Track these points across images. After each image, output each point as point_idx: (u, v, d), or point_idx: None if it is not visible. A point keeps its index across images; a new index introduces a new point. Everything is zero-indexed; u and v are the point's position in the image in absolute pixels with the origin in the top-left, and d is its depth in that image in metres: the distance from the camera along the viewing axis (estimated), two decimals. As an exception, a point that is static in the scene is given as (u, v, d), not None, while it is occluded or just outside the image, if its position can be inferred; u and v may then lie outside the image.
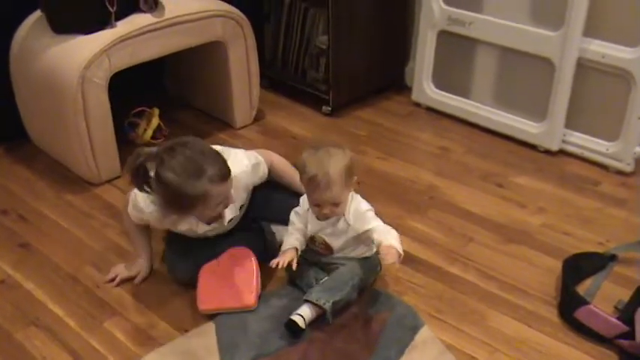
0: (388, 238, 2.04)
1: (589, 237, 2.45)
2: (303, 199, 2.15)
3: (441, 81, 3.25)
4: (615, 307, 2.10)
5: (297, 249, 2.12)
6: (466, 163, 2.92)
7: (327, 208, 2.04)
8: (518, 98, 3.05)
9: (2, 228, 2.55)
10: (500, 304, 2.16)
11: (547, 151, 2.94)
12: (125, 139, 2.94)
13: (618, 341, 1.97)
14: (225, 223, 2.19)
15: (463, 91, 3.22)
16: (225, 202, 2.07)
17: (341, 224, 2.11)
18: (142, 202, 2.10)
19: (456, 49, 3.19)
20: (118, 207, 2.63)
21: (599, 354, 1.97)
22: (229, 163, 2.03)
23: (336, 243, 2.15)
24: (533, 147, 2.98)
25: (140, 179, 1.98)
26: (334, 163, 1.99)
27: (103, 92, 2.63)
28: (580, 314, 2.04)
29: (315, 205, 2.05)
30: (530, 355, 1.98)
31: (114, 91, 2.69)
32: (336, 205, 2.04)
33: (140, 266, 2.27)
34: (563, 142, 2.91)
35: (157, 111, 3.04)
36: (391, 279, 2.26)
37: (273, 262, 2.07)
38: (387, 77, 3.49)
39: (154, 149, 1.97)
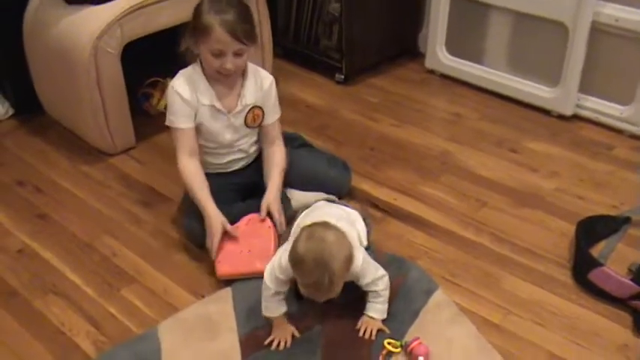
0: (370, 309, 1.93)
1: (603, 200, 2.45)
2: (282, 257, 1.86)
3: (455, 47, 3.23)
4: (629, 269, 2.11)
5: (285, 314, 1.94)
6: (479, 129, 2.92)
7: (322, 299, 1.82)
8: (532, 63, 3.03)
9: (19, 199, 2.58)
10: (514, 268, 2.17)
11: (561, 116, 2.93)
12: (139, 110, 2.96)
13: (632, 302, 1.98)
14: (244, 103, 2.25)
15: (477, 58, 3.20)
16: (224, 61, 2.12)
17: None
18: (176, 82, 2.24)
19: (470, 15, 3.16)
20: (134, 176, 2.66)
21: (613, 315, 1.98)
22: (258, 69, 2.30)
23: None
24: (547, 112, 2.97)
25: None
26: (337, 261, 1.74)
27: (116, 62, 2.63)
28: (594, 276, 2.05)
29: (309, 295, 1.82)
30: (544, 316, 1.99)
31: (127, 62, 2.70)
32: (333, 295, 1.81)
33: (220, 217, 2.17)
34: (577, 106, 2.89)
35: (169, 81, 3.03)
36: (405, 244, 2.28)
37: (267, 341, 1.91)
38: (400, 44, 3.47)
39: None
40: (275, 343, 1.90)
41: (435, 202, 2.48)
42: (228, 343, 1.92)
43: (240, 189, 2.39)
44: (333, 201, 2.19)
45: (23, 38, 2.84)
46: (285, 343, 1.90)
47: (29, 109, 3.04)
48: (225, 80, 2.22)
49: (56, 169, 2.73)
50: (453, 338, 1.91)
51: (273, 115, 2.35)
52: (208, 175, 2.27)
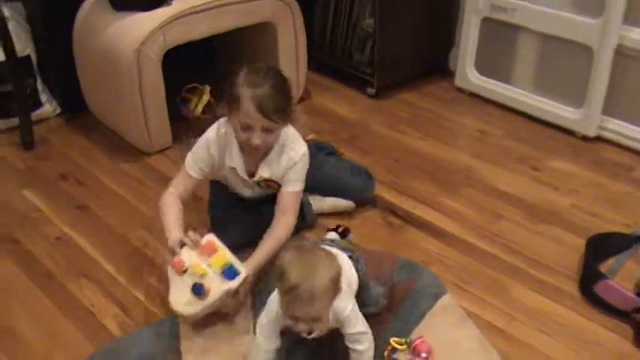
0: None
1: (617, 219, 2.50)
2: (270, 303, 1.82)
3: (484, 67, 3.33)
4: (636, 285, 2.16)
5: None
6: (504, 146, 3.00)
7: (304, 324, 1.72)
8: (558, 85, 3.10)
9: (61, 191, 2.75)
10: (524, 278, 2.25)
11: (584, 137, 2.99)
12: (177, 114, 3.11)
13: (635, 315, 2.04)
14: (258, 175, 2.22)
15: (505, 78, 3.29)
16: (251, 135, 2.07)
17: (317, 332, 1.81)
18: (211, 133, 2.21)
19: (499, 36, 3.26)
20: (169, 175, 2.80)
21: (616, 327, 2.04)
22: (292, 142, 2.22)
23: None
24: (570, 133, 3.04)
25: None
26: (322, 273, 1.67)
27: (157, 67, 2.79)
28: (599, 288, 2.12)
29: (291, 317, 1.72)
30: (548, 325, 2.06)
31: (169, 69, 2.85)
32: (316, 320, 1.73)
33: (179, 232, 2.11)
34: (600, 128, 2.96)
35: (208, 88, 3.20)
36: (420, 251, 2.37)
37: None
38: (431, 62, 3.58)
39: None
40: None
41: (453, 213, 2.57)
42: (244, 328, 2.04)
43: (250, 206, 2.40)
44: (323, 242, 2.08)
45: (73, 42, 3.02)
46: None
47: (75, 108, 3.22)
48: (254, 151, 2.18)
49: (97, 165, 2.90)
50: (457, 339, 1.99)
51: (292, 186, 2.24)
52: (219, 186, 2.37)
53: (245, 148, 2.17)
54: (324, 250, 1.77)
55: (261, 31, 3.12)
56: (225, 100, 2.12)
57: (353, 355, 1.83)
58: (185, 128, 3.02)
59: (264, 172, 2.23)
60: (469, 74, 3.34)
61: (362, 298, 1.94)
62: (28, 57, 3.12)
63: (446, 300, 2.13)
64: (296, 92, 3.33)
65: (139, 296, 2.20)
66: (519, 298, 2.17)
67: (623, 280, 2.18)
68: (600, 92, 2.88)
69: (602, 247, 2.30)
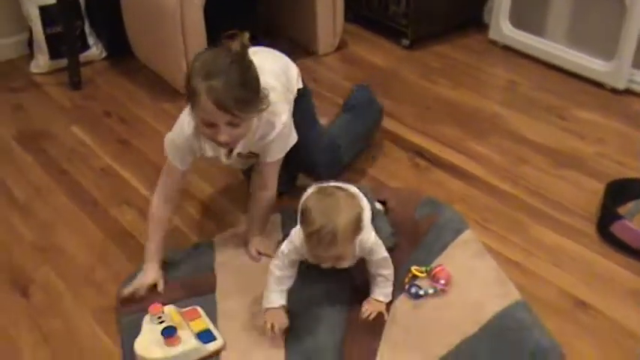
0: (376, 292, 1.92)
1: (641, 168, 2.58)
2: (295, 233, 1.85)
3: (518, 20, 3.38)
4: (651, 228, 2.25)
5: (284, 307, 1.89)
6: (532, 96, 3.07)
7: (328, 262, 1.81)
8: (590, 38, 3.15)
9: (105, 127, 2.91)
10: (543, 218, 2.34)
11: (613, 90, 3.04)
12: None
13: (648, 253, 2.13)
14: (235, 153, 2.05)
15: (537, 30, 3.34)
16: (215, 132, 1.85)
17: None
18: (185, 123, 1.98)
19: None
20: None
21: (629, 264, 2.13)
22: (274, 109, 1.96)
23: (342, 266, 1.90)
24: (600, 85, 3.09)
25: None
26: (344, 215, 1.71)
27: (199, 12, 2.91)
28: (615, 228, 2.20)
29: (315, 257, 1.80)
30: (563, 260, 2.16)
31: (211, 15, 2.96)
32: (339, 259, 1.81)
33: (154, 273, 2.05)
34: (630, 81, 3.01)
35: (247, 35, 3.28)
36: (444, 190, 2.47)
37: (264, 328, 1.86)
38: (466, 15, 3.64)
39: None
40: (268, 326, 1.85)
41: (479, 156, 2.66)
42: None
43: None
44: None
45: (120, -11, 3.16)
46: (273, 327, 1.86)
47: (120, 52, 3.37)
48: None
49: (139, 105, 3.05)
50: (474, 269, 2.10)
51: (270, 157, 2.08)
52: None
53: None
54: (345, 191, 1.81)
55: (300, -20, 3.23)
56: (186, 93, 1.86)
57: (379, 279, 1.92)
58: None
59: (238, 149, 2.03)
60: (503, 27, 3.40)
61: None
62: (77, 0, 3.26)
63: (467, 235, 2.23)
64: (333, 41, 3.43)
65: (178, 223, 2.35)
66: (537, 235, 2.26)
67: (640, 223, 2.26)
68: (631, 45, 2.92)
69: (621, 192, 2.37)
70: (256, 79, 1.86)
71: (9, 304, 2.05)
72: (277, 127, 2.01)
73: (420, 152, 2.68)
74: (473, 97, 3.07)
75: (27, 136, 2.85)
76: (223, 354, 1.85)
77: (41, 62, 3.30)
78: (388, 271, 1.93)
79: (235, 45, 1.85)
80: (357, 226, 1.76)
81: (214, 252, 2.20)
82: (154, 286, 2.03)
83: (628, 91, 3.03)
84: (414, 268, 2.08)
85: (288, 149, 2.09)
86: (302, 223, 1.76)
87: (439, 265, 2.07)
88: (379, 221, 2.05)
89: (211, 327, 1.89)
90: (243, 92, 1.79)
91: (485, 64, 3.37)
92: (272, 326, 1.84)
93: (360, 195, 1.96)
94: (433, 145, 2.72)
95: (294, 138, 2.09)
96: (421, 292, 2.01)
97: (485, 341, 1.86)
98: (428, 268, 2.08)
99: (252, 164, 2.20)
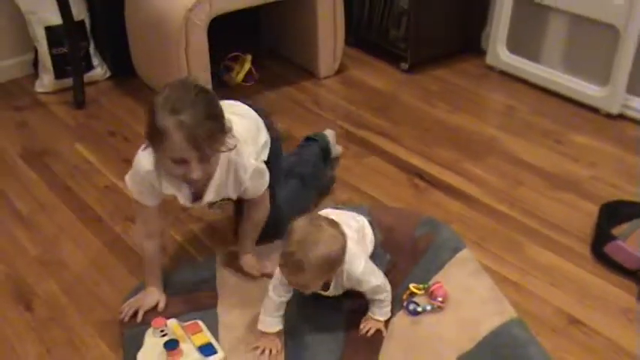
0: (375, 312, 1.97)
1: (636, 191, 2.61)
2: None
3: (515, 46, 3.45)
4: (645, 248, 2.30)
5: (280, 332, 1.95)
6: (529, 121, 3.12)
7: (294, 286, 1.85)
8: (585, 64, 3.22)
9: (109, 146, 2.95)
10: (539, 239, 2.38)
11: (608, 115, 3.10)
12: (220, 81, 3.30)
13: (639, 274, 2.17)
14: (203, 203, 1.98)
15: (534, 56, 3.41)
16: (187, 170, 1.77)
17: (332, 289, 1.96)
18: (142, 160, 1.88)
19: (530, 16, 3.38)
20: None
21: (622, 284, 2.17)
22: (240, 146, 1.88)
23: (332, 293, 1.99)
24: (595, 110, 3.14)
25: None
26: (320, 250, 1.73)
27: (203, 33, 2.97)
28: (609, 249, 2.25)
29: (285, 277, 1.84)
30: (558, 279, 2.20)
31: (214, 38, 3.03)
32: (303, 287, 1.84)
33: (157, 295, 2.07)
34: (624, 106, 3.07)
35: (249, 57, 3.38)
36: (442, 210, 2.52)
37: (252, 347, 1.93)
38: (464, 40, 3.70)
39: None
40: (259, 351, 1.91)
41: (476, 178, 2.70)
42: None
43: None
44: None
45: (125, 8, 3.22)
46: (270, 351, 1.92)
47: (124, 72, 3.43)
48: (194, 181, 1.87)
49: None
50: (472, 287, 2.14)
51: (255, 193, 2.04)
52: None
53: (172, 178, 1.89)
54: (335, 228, 1.80)
55: (302, 5, 3.29)
56: (148, 136, 1.77)
57: (375, 304, 1.96)
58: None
59: (209, 197, 1.96)
60: (500, 52, 3.46)
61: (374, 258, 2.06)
62: (82, 22, 3.32)
63: (464, 253, 2.28)
64: (333, 65, 3.49)
65: (178, 238, 2.39)
66: (533, 255, 2.31)
67: (634, 244, 2.29)
68: (625, 71, 2.98)
69: (615, 213, 2.42)
70: (221, 111, 1.79)
71: (13, 317, 2.09)
72: (248, 173, 1.94)
73: (419, 173, 2.73)
74: (471, 120, 3.13)
75: (31, 153, 2.90)
76: (225, 366, 1.89)
77: (46, 82, 3.35)
78: (384, 295, 1.96)
79: (194, 79, 1.83)
80: (329, 265, 1.78)
81: (216, 268, 2.24)
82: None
83: (622, 116, 3.09)
84: (412, 286, 2.12)
85: (267, 184, 2.04)
86: (285, 239, 1.79)
87: (437, 283, 2.11)
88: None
89: (212, 340, 1.92)
90: (212, 125, 1.73)
91: (483, 88, 3.43)
92: (269, 351, 1.91)
93: (362, 229, 2.05)
94: (432, 167, 2.77)
95: (267, 172, 2.04)
96: (419, 309, 2.05)
97: (482, 357, 1.90)
98: (426, 286, 2.12)
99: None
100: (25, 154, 2.89)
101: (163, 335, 1.88)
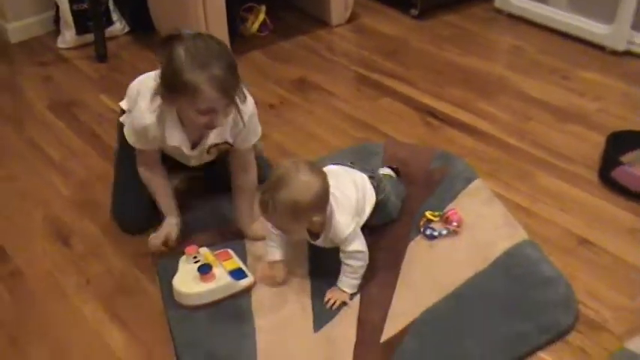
0: (343, 281, 1.97)
1: (641, 122, 2.71)
2: None
3: (523, -12, 3.52)
4: (651, 172, 2.39)
5: (283, 261, 2.04)
6: (537, 60, 3.21)
7: (273, 225, 1.93)
8: (591, 2, 3.28)
9: (132, 96, 3.07)
10: (548, 168, 2.49)
11: (613, 52, 3.18)
12: (235, 32, 3.39)
13: (646, 195, 2.28)
14: (207, 145, 2.06)
15: (542, -3, 3.49)
16: (213, 118, 1.88)
17: (321, 241, 1.98)
18: (145, 114, 1.95)
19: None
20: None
21: (628, 207, 2.29)
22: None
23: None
24: (601, 48, 3.22)
25: (163, 47, 1.84)
26: (286, 193, 1.77)
27: (219, -15, 3.07)
28: (616, 174, 2.35)
29: None
30: (567, 204, 2.31)
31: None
32: (282, 230, 1.93)
33: (169, 226, 2.14)
34: (630, 43, 3.14)
35: (263, 8, 3.47)
36: (455, 146, 2.62)
37: (261, 278, 2.04)
38: (473, -15, 3.78)
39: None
40: (266, 279, 2.04)
41: (488, 115, 2.80)
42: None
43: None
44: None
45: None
46: (274, 278, 2.03)
47: (143, 27, 3.52)
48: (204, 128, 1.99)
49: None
50: (485, 214, 2.25)
51: (248, 142, 2.11)
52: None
53: (194, 127, 1.98)
54: (314, 176, 1.81)
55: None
56: (165, 89, 1.84)
57: (347, 269, 1.95)
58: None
59: (211, 139, 2.05)
60: (508, -5, 3.54)
61: (380, 215, 2.13)
62: (101, -23, 3.42)
63: (477, 183, 2.39)
64: (345, 13, 3.58)
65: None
66: (543, 183, 2.41)
67: (640, 170, 2.40)
68: (630, 9, 3.05)
69: (622, 142, 2.50)
70: (233, 56, 1.87)
71: (53, 252, 2.22)
72: (247, 114, 2.00)
73: (432, 112, 2.83)
74: (481, 62, 3.22)
75: (59, 105, 3.02)
76: (254, 289, 2.01)
77: (68, 38, 3.46)
78: (359, 264, 1.95)
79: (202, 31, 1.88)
80: (295, 211, 1.79)
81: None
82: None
83: (627, 53, 3.17)
84: (428, 213, 2.23)
85: (259, 135, 2.12)
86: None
87: (452, 209, 2.22)
88: (388, 185, 2.18)
89: (242, 266, 2.05)
90: (236, 73, 1.83)
91: (492, 31, 3.51)
92: (272, 277, 2.02)
93: (364, 191, 2.04)
94: (444, 106, 2.87)
95: (260, 128, 2.13)
96: (435, 234, 2.16)
97: (496, 275, 2.02)
98: (441, 213, 2.23)
99: (212, 159, 2.18)
100: (52, 106, 3.01)
101: (196, 262, 2.01)
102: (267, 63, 3.27)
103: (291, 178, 1.77)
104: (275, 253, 2.03)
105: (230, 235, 2.22)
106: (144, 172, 2.13)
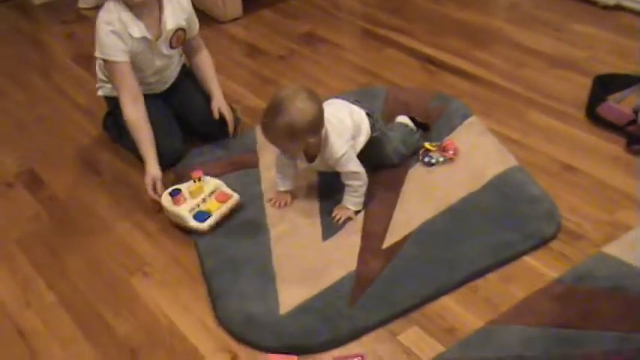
0: (347, 200, 2.16)
1: (630, 67, 2.86)
2: None
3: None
4: (633, 108, 2.56)
5: (291, 192, 2.26)
6: (532, 13, 3.40)
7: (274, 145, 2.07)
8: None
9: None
10: (538, 106, 2.68)
11: (605, 6, 3.37)
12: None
13: (627, 128, 2.46)
14: (167, 30, 2.32)
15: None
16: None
17: (317, 163, 2.16)
18: (104, 16, 2.23)
19: None
20: (239, 37, 3.29)
21: (612, 138, 2.47)
22: None
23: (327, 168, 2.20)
24: (594, 3, 3.41)
25: None
26: (284, 115, 1.93)
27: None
28: (601, 109, 2.53)
29: None
30: (555, 137, 2.50)
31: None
32: (282, 150, 2.11)
33: (151, 175, 2.26)
34: (620, -4, 3.34)
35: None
36: (451, 88, 2.82)
37: (268, 199, 2.25)
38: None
39: None
40: (272, 202, 2.24)
41: (483, 62, 3.00)
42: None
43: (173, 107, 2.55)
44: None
45: None
46: (280, 204, 2.23)
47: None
48: (145, 9, 2.25)
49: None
50: (479, 144, 2.45)
51: (194, 27, 2.46)
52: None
53: (138, 11, 2.24)
54: (311, 103, 1.95)
55: None
56: None
57: (348, 189, 2.15)
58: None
59: (169, 24, 2.33)
60: (505, -45, 3.72)
61: (376, 153, 2.29)
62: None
63: (472, 119, 2.58)
64: (349, -27, 3.77)
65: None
66: (533, 120, 2.61)
67: (626, 107, 2.57)
68: (620, -38, 3.24)
69: (608, 83, 2.68)
70: None
71: (86, 181, 2.45)
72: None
73: (431, 60, 3.03)
74: (478, 16, 3.41)
75: (81, 57, 3.23)
76: (268, 209, 2.23)
77: (88, -2, 3.68)
78: (358, 183, 2.14)
79: None
80: (291, 133, 1.94)
81: (256, 136, 2.57)
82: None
83: (618, 7, 3.36)
84: (426, 144, 2.43)
85: (197, 20, 2.45)
86: None
87: (449, 140, 2.42)
88: (382, 144, 2.30)
89: (217, 216, 2.15)
90: None
91: (490, -11, 3.71)
92: (279, 203, 2.22)
93: (359, 123, 2.19)
94: (443, 55, 3.07)
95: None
96: (433, 161, 2.37)
97: (487, 193, 2.22)
98: (439, 143, 2.43)
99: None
100: (76, 58, 3.23)
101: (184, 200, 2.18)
102: (276, 19, 3.48)
103: (288, 104, 1.93)
104: (283, 184, 2.24)
105: (246, 163, 2.44)
106: (130, 113, 2.27)
